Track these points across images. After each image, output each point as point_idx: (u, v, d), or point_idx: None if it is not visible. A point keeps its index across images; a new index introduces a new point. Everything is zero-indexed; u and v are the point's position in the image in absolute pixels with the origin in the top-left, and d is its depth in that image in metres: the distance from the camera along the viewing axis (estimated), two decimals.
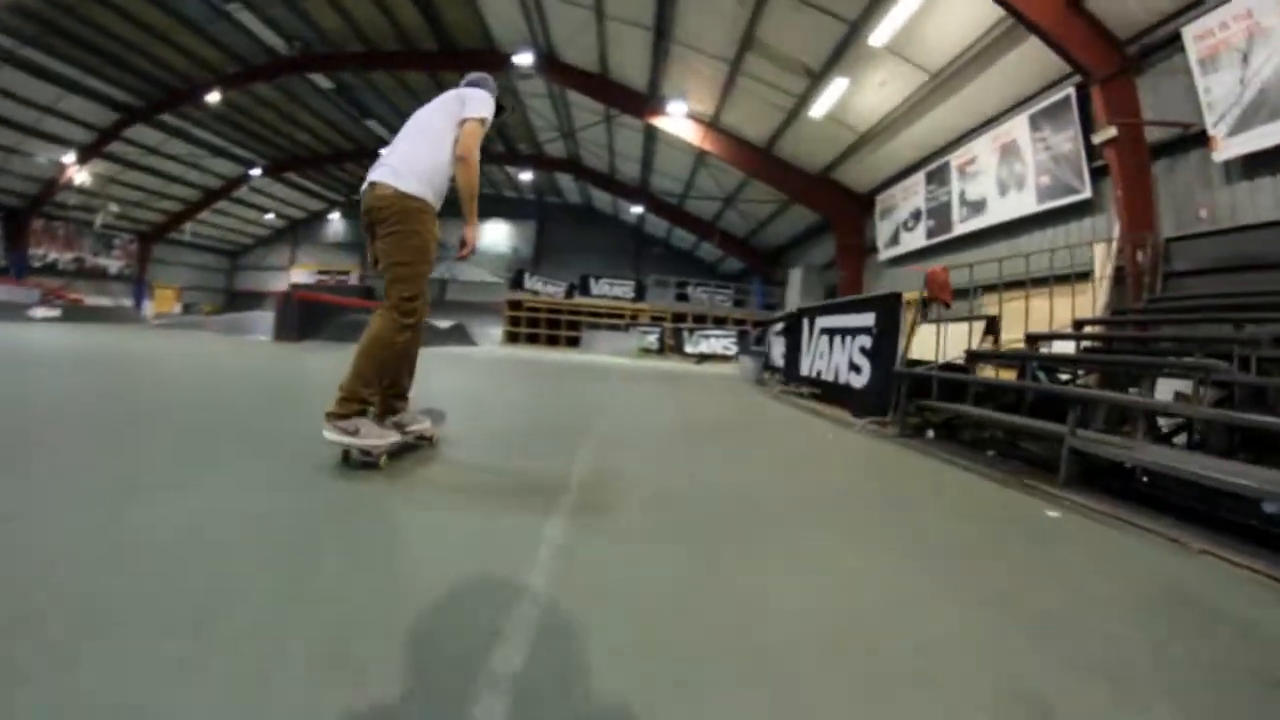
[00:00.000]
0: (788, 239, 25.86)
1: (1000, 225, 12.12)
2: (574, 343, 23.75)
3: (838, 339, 8.30)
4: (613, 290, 24.76)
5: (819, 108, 14.49)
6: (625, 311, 23.88)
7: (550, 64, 19.15)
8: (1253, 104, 7.23)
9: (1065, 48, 8.82)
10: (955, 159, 13.51)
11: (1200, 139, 7.94)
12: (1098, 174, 9.77)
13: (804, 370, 9.31)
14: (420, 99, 3.29)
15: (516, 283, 25.65)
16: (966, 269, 13.50)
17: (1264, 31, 7.13)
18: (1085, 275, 9.47)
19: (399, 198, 2.68)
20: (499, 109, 3.04)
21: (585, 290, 24.95)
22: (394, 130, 3.94)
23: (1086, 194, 9.98)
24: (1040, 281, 10.77)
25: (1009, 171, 11.67)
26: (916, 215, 15.28)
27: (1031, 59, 10.23)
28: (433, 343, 14.71)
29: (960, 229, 13.51)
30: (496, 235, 36.93)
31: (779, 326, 10.62)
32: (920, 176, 15.12)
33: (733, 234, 27.85)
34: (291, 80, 22.85)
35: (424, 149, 2.81)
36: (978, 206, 12.77)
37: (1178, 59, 8.14)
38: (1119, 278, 8.74)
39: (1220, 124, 7.57)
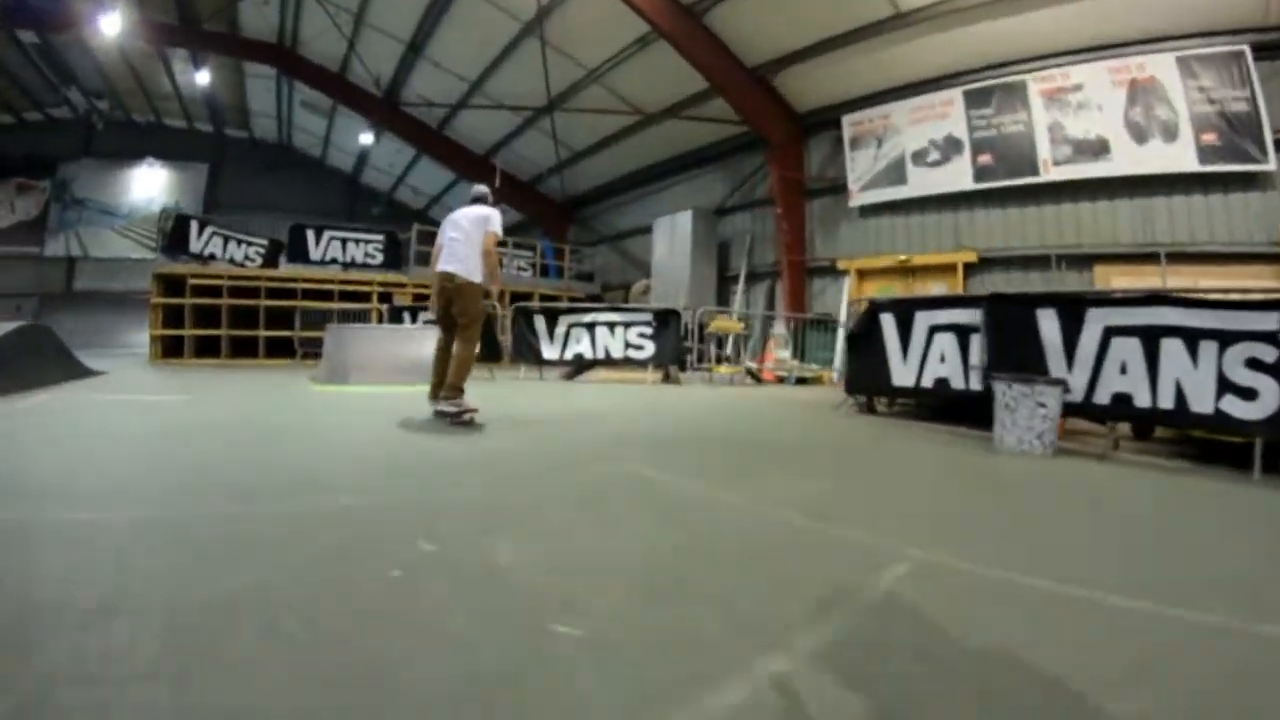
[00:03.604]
0: (600, 183, 21.78)
1: (1130, 179, 11.00)
2: (285, 349, 15.84)
3: None
4: (348, 252, 16.98)
5: None
6: (373, 288, 16.74)
7: None
8: None
9: None
10: (1037, 81, 11.78)
11: None
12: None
13: None
14: None
15: (176, 242, 15.76)
16: (1056, 227, 12.60)
17: None
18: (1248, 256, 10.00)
19: (469, 285, 5.80)
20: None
21: (301, 253, 16.46)
22: None
23: (1270, 165, 9.66)
24: (1192, 257, 10.44)
25: (1146, 114, 10.69)
26: (950, 145, 12.82)
27: None
28: None
29: (1056, 173, 11.57)
30: (150, 185, 28.02)
31: None
32: (954, 95, 12.73)
33: (514, 176, 22.47)
34: None
35: (475, 249, 5.88)
36: (1092, 148, 11.24)
37: None
38: None
39: None
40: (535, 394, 9.53)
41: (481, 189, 6.55)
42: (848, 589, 2.17)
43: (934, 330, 7.38)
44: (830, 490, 3.84)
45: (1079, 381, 6.08)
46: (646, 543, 2.68)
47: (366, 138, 23.66)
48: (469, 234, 5.96)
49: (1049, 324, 6.36)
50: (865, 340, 8.08)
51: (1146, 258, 10.86)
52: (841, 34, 12.95)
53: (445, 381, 5.77)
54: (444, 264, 5.93)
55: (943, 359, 7.27)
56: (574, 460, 4.49)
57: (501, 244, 19.08)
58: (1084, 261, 11.56)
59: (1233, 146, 10.00)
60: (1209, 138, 10.19)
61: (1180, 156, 10.44)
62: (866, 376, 8.16)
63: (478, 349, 6.13)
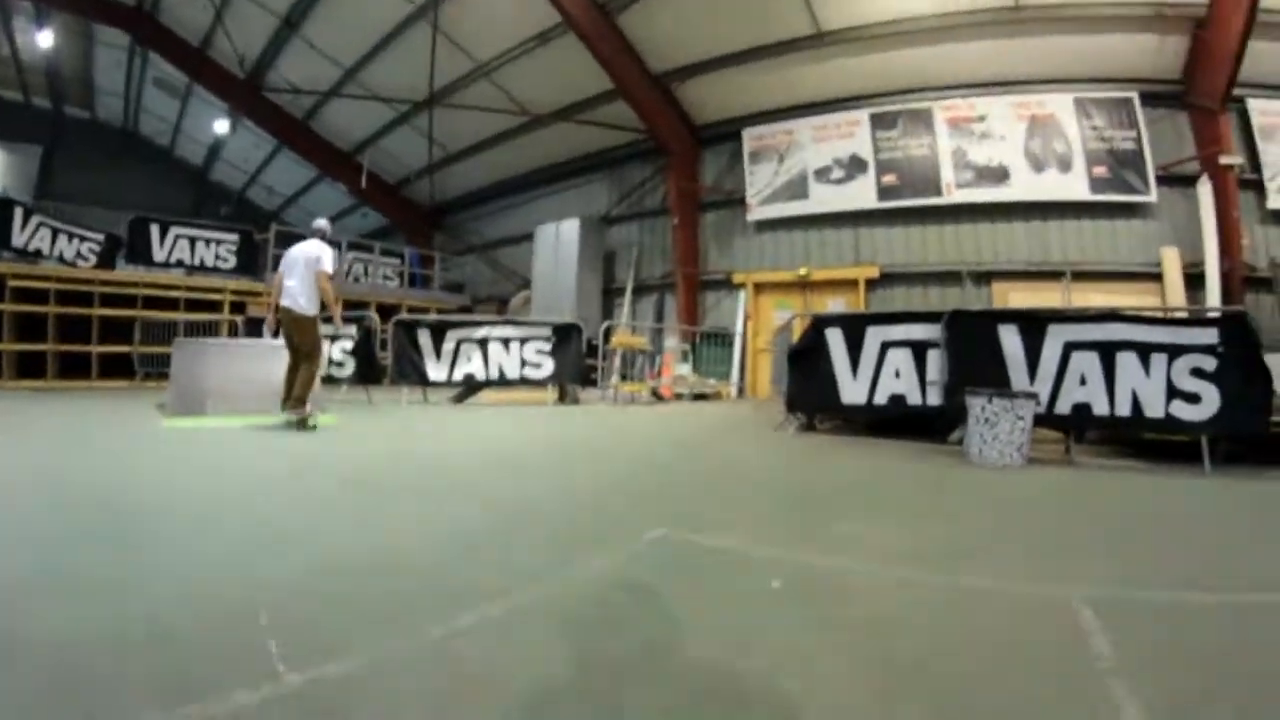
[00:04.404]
0: (475, 187, 21.45)
1: (1026, 204, 12.41)
2: (123, 368, 13.96)
3: None
4: (197, 254, 15.36)
5: None
6: (225, 296, 15.31)
7: None
8: None
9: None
10: (943, 109, 12.86)
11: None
12: (1160, 182, 11.61)
13: None
14: None
15: None
16: (956, 246, 13.31)
17: None
18: (1131, 275, 11.81)
19: (305, 318, 7.21)
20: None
21: (143, 253, 14.60)
22: None
23: (1151, 198, 11.55)
24: (1083, 276, 11.90)
25: (1043, 147, 12.16)
26: (854, 164, 13.51)
27: (1102, 47, 11.53)
28: None
29: (958, 196, 12.62)
30: None
31: None
32: (860, 116, 13.47)
33: (380, 176, 21.65)
34: None
35: (308, 285, 7.22)
36: (994, 174, 12.44)
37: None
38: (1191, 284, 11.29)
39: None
40: (441, 425, 8.74)
41: (319, 223, 7.86)
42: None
43: (887, 346, 7.65)
44: (898, 532, 3.60)
45: (1041, 393, 6.53)
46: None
47: (222, 126, 22.29)
48: (304, 274, 7.29)
49: (1011, 339, 6.79)
50: (810, 357, 8.17)
51: (1041, 275, 12.16)
52: (755, 48, 13.33)
53: (293, 395, 7.25)
54: (283, 299, 7.29)
55: (897, 375, 7.55)
56: (586, 530, 3.51)
57: (380, 250, 19.09)
58: (983, 278, 12.66)
59: (1120, 179, 11.67)
60: (1099, 170, 11.80)
61: (1073, 185, 11.95)
62: (812, 394, 8.27)
63: (323, 369, 8.09)
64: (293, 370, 7.39)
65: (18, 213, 14.33)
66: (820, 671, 1.95)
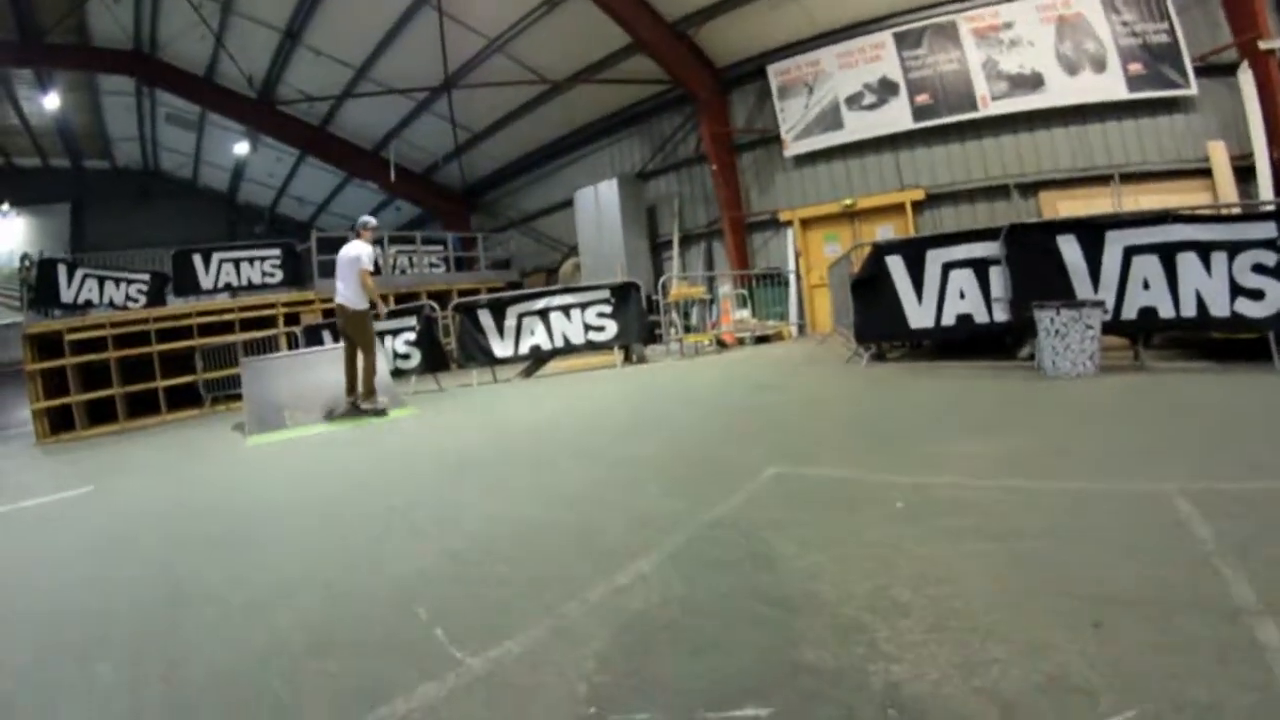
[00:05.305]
0: (505, 163, 21.84)
1: (1065, 109, 12.39)
2: (190, 398, 14.76)
3: None
4: (244, 274, 16.38)
5: None
6: (278, 310, 16.18)
7: None
8: None
9: None
10: (967, 20, 12.87)
11: None
12: (1198, 73, 11.32)
13: None
14: None
15: (45, 294, 14.52)
16: (999, 159, 13.44)
17: None
18: (1179, 173, 11.62)
19: (356, 313, 8.47)
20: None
21: (190, 284, 15.67)
22: None
23: (1191, 91, 11.33)
24: (1129, 178, 11.87)
25: (1075, 48, 12.07)
26: (885, 87, 13.71)
27: None
28: None
29: (994, 108, 12.75)
30: (9, 236, 25.22)
31: None
32: (884, 38, 13.62)
33: (407, 168, 22.15)
34: None
35: (353, 283, 8.40)
36: (1027, 82, 12.52)
37: None
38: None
39: None
40: (521, 399, 9.37)
41: (361, 220, 9.03)
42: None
43: (949, 267, 8.08)
44: (994, 447, 3.94)
45: (1106, 300, 6.94)
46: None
47: (242, 148, 22.98)
48: (347, 274, 8.46)
49: (1071, 249, 7.20)
50: (872, 286, 8.65)
51: (1088, 181, 12.28)
52: None
53: (359, 388, 8.51)
54: (336, 298, 8.59)
55: (962, 295, 7.99)
56: (705, 476, 3.96)
57: (421, 239, 19.79)
58: (1029, 190, 12.84)
59: (1157, 74, 11.53)
60: (1135, 67, 11.67)
61: (1110, 85, 11.87)
62: (879, 323, 8.76)
63: (380, 357, 8.97)
64: (350, 363, 8.59)
65: (62, 270, 15.31)
66: (960, 573, 2.29)
